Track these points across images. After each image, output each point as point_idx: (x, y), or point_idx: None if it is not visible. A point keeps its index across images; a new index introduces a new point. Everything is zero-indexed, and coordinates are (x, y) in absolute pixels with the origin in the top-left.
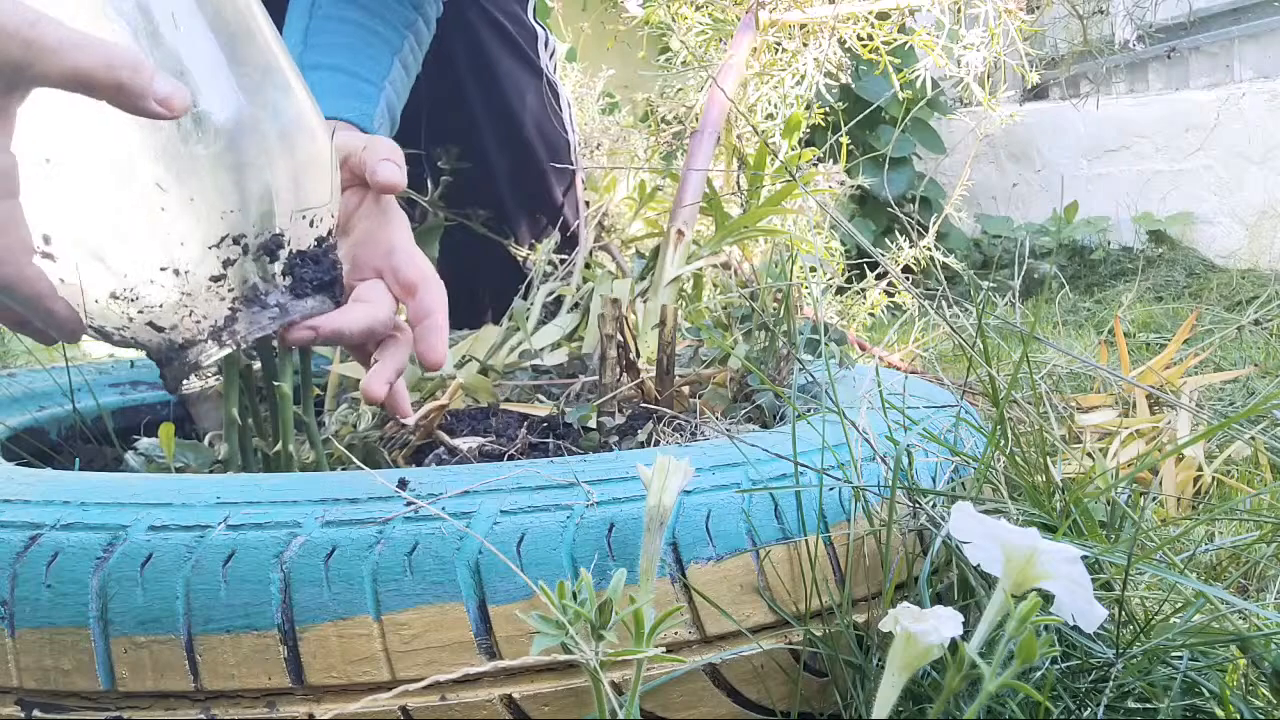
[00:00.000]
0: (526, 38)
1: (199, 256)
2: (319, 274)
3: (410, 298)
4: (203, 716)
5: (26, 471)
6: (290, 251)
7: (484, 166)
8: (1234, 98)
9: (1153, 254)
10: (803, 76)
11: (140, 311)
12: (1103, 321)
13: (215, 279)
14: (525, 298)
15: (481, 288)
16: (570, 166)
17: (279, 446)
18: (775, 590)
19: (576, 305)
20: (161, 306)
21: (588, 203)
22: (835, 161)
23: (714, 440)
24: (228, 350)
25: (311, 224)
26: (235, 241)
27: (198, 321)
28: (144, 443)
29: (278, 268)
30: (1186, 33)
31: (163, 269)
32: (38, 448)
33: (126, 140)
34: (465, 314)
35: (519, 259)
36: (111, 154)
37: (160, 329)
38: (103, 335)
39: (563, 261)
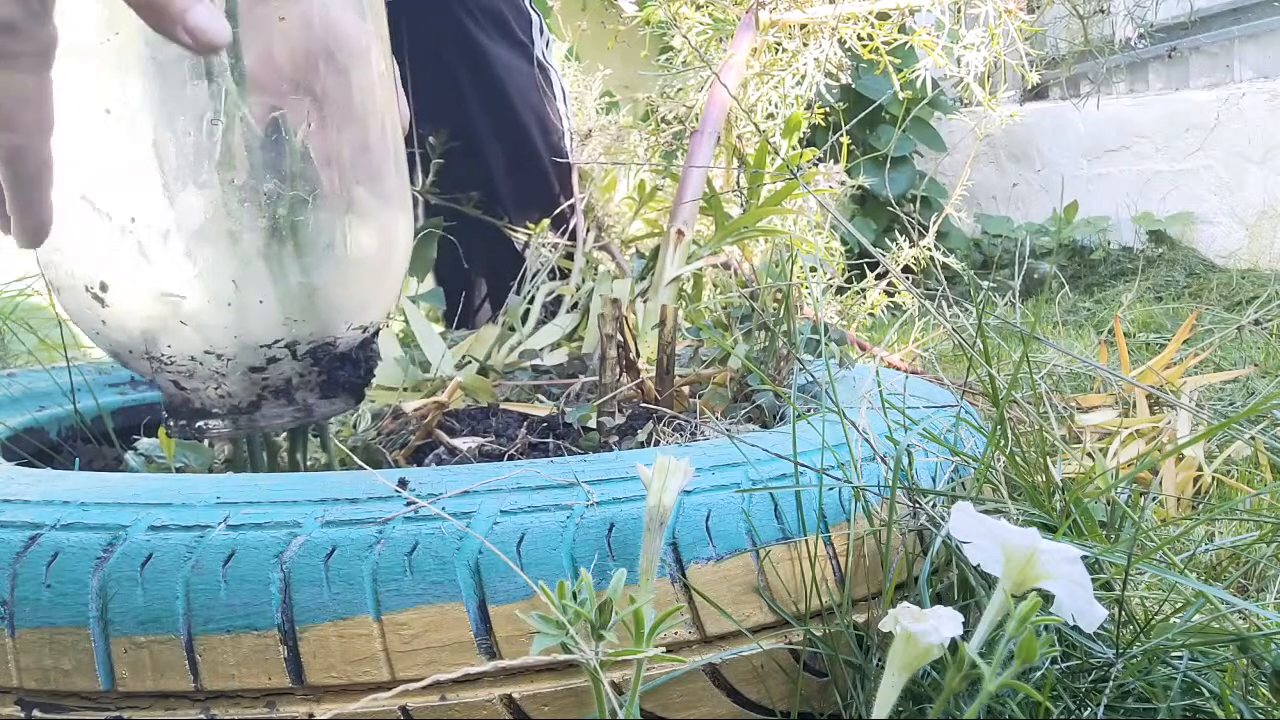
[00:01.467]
0: (521, 22)
1: (247, 350)
2: (353, 376)
3: None
4: (203, 716)
5: (26, 471)
6: (334, 354)
7: (477, 151)
8: (1234, 98)
9: (1153, 254)
10: (803, 76)
11: (168, 372)
12: (1103, 321)
13: (254, 370)
14: (520, 291)
15: (480, 286)
16: (565, 154)
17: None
18: (775, 590)
19: (576, 305)
20: (192, 376)
21: (586, 200)
22: (835, 161)
23: (714, 440)
24: (241, 433)
25: (364, 330)
26: (287, 346)
27: (222, 396)
28: (144, 443)
29: (316, 368)
30: (1187, 33)
31: (208, 352)
32: (38, 448)
33: (224, 223)
34: (464, 313)
35: (517, 249)
36: (209, 233)
37: (182, 389)
38: (117, 359)
39: (558, 246)
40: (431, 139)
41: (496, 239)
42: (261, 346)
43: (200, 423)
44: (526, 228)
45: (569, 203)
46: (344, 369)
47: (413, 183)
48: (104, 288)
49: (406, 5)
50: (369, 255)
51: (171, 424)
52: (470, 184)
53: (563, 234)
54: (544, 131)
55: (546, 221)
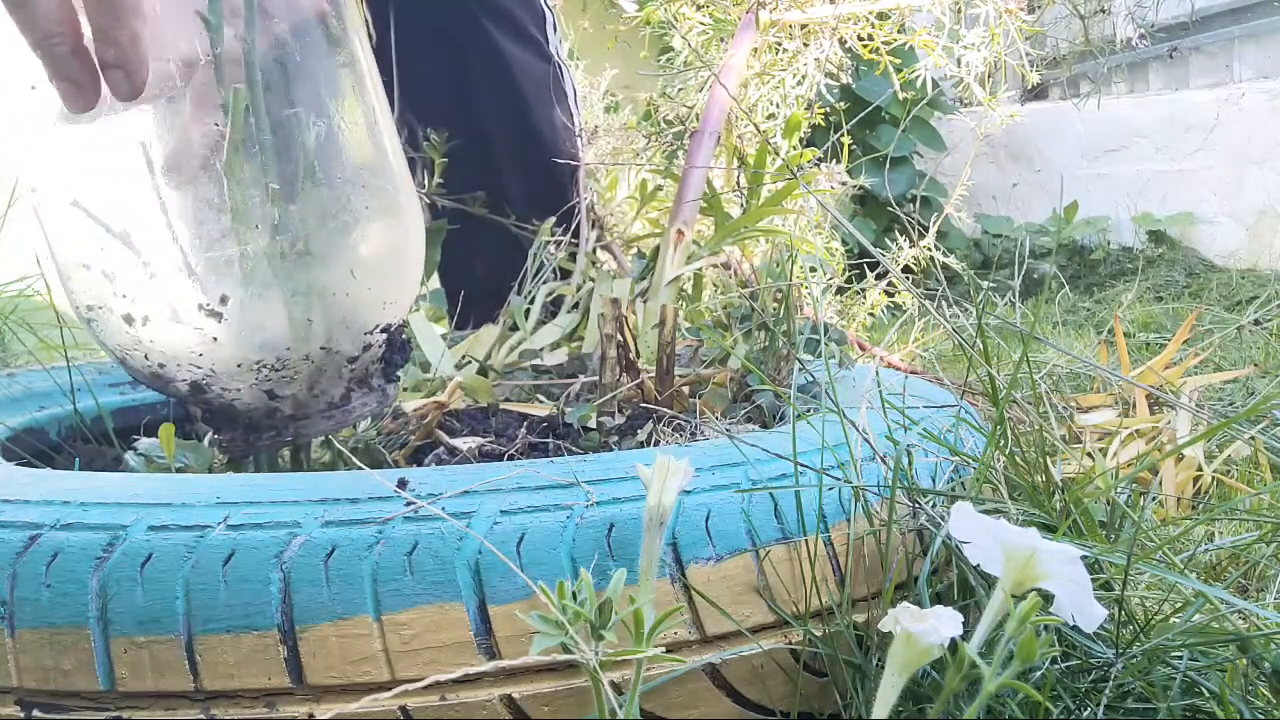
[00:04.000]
0: (535, 19)
1: (352, 340)
2: (403, 359)
3: None
4: (203, 716)
5: (26, 471)
6: (398, 339)
7: (488, 148)
8: (1234, 98)
9: (1153, 254)
10: (803, 77)
11: (269, 379)
12: (1103, 321)
13: (351, 360)
14: (521, 291)
15: (483, 286)
16: (576, 152)
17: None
18: (775, 590)
19: (576, 305)
20: (293, 380)
21: (589, 200)
22: (836, 161)
23: (714, 440)
24: (337, 429)
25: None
26: (383, 330)
27: (315, 396)
28: (144, 443)
29: (382, 355)
30: (1187, 33)
31: (323, 347)
32: (38, 448)
33: (336, 218)
34: (464, 312)
35: (522, 248)
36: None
37: (276, 397)
38: (195, 391)
39: (562, 244)
40: (434, 137)
41: (500, 238)
42: (365, 333)
43: (302, 429)
44: (533, 226)
45: (574, 202)
46: (398, 354)
47: (420, 183)
48: (224, 300)
49: (421, 1)
50: (417, 232)
51: (253, 440)
52: (479, 183)
53: (565, 233)
54: (556, 129)
55: (551, 220)
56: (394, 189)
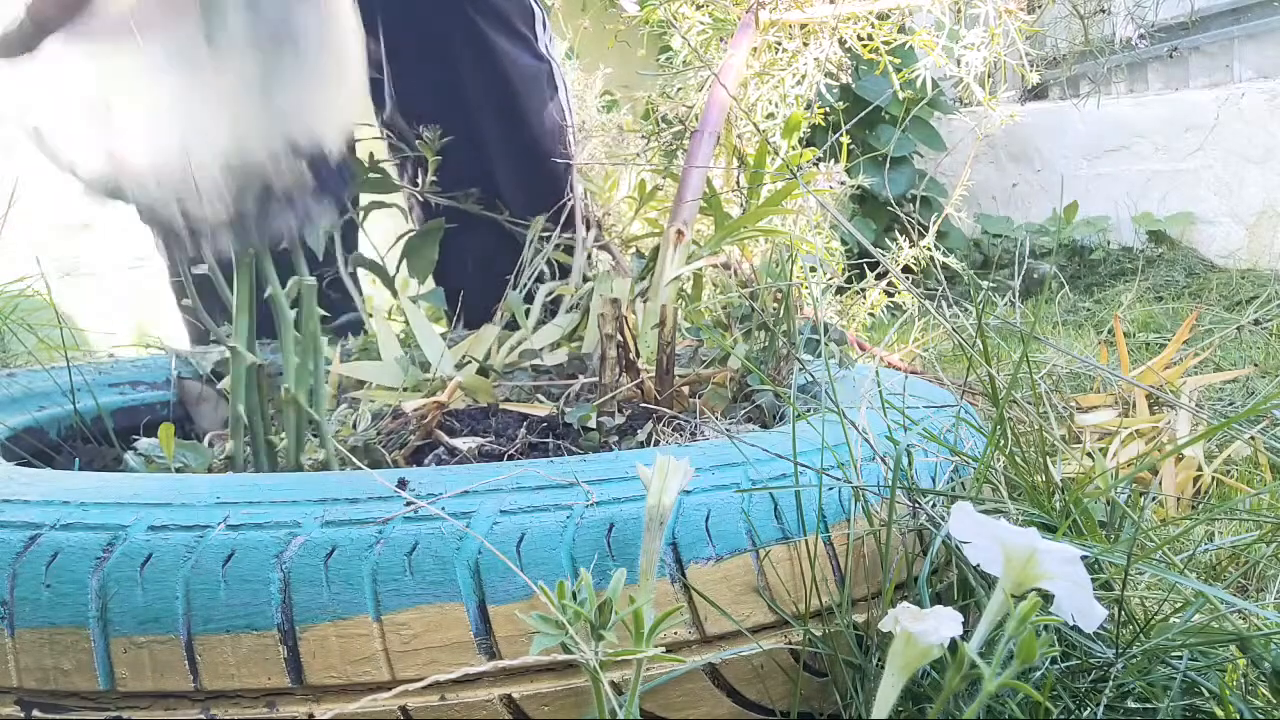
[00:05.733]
0: (524, 17)
1: (257, 155)
2: (335, 183)
3: None
4: (202, 716)
5: (26, 471)
6: (324, 158)
7: (480, 146)
8: (1234, 98)
9: (1153, 254)
10: (803, 76)
11: (179, 194)
12: (1103, 321)
13: (261, 177)
14: (517, 287)
15: (479, 283)
16: (568, 149)
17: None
18: (775, 590)
19: (576, 305)
20: (203, 194)
21: (586, 199)
22: (835, 161)
23: (714, 440)
24: (259, 242)
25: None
26: (294, 150)
27: (234, 210)
28: (144, 443)
29: (310, 172)
30: (1187, 33)
31: (226, 165)
32: (38, 448)
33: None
34: (464, 312)
35: (517, 245)
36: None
37: (189, 214)
38: (145, 213)
39: (558, 243)
40: (426, 135)
41: (492, 235)
42: (274, 152)
43: (221, 242)
44: (526, 224)
45: (569, 201)
46: (332, 176)
47: (414, 182)
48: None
49: (412, 1)
50: (338, 53)
51: (179, 256)
52: (471, 179)
53: (562, 232)
54: (547, 126)
55: (542, 218)
56: (293, 12)
